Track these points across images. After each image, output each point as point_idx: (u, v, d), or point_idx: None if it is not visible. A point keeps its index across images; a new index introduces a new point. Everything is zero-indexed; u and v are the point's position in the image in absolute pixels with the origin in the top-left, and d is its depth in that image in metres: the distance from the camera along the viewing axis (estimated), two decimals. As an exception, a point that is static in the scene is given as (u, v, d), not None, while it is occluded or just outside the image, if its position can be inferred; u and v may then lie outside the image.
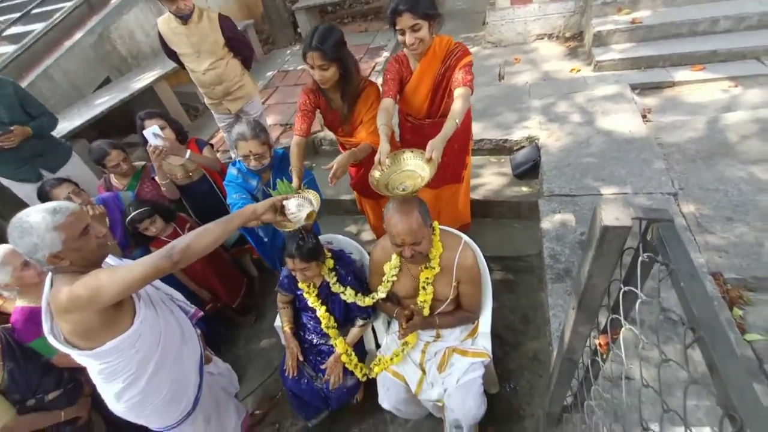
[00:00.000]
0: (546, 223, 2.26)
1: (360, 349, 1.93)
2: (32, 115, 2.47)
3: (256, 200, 2.01)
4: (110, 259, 1.48)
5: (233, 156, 2.88)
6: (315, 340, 1.93)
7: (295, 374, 1.85)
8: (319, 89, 1.88)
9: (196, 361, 1.63)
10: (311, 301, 1.84)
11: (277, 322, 2.03)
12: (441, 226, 1.72)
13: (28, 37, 3.74)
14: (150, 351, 1.37)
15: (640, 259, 0.63)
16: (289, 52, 5.25)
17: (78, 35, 3.89)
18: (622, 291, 0.72)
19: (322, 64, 1.69)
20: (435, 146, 1.45)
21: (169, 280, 2.27)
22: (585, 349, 1.01)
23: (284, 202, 1.41)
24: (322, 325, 1.85)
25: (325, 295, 1.86)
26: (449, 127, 1.54)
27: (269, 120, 3.75)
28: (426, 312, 1.69)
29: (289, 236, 1.69)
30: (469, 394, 1.57)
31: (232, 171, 1.97)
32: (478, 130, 3.06)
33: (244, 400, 2.30)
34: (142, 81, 3.82)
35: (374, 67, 4.29)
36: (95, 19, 4.02)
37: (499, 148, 3.05)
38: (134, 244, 2.21)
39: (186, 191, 2.46)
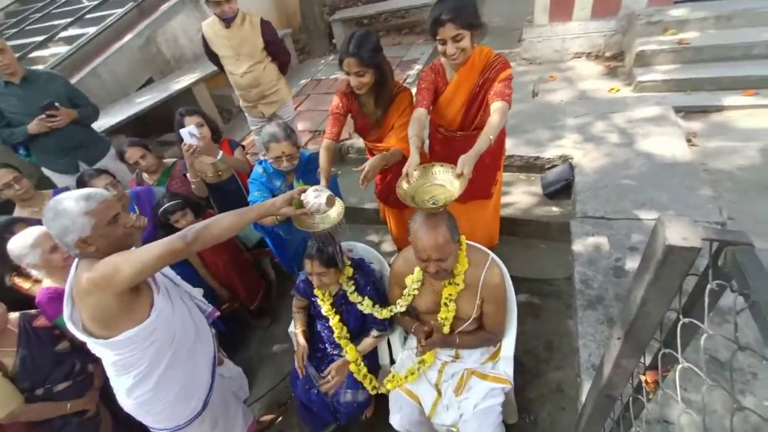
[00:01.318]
0: (578, 246, 2.14)
1: (373, 363, 1.85)
2: (78, 106, 2.59)
3: None
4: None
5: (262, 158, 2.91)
6: (328, 349, 1.88)
7: (303, 374, 1.79)
8: (353, 93, 1.88)
9: (209, 361, 1.60)
10: (325, 309, 1.80)
11: (291, 328, 1.99)
12: (468, 242, 1.64)
13: (81, 38, 3.97)
14: (164, 346, 1.35)
15: (709, 287, 0.55)
16: (323, 61, 5.36)
17: (127, 38, 4.10)
18: (681, 322, 0.63)
19: (359, 71, 1.69)
20: (467, 161, 1.39)
21: (191, 276, 2.29)
22: (627, 384, 0.91)
23: (302, 195, 1.37)
24: (335, 335, 1.79)
25: (341, 304, 1.81)
26: (483, 142, 1.48)
27: (299, 126, 3.80)
28: (446, 330, 1.60)
29: (312, 238, 1.66)
30: (486, 422, 1.47)
31: (257, 169, 1.98)
32: (508, 146, 2.95)
33: (252, 405, 2.26)
34: (181, 83, 3.96)
35: (405, 80, 4.30)
36: (144, 23, 4.23)
37: (530, 166, 2.95)
38: (163, 235, 2.22)
39: (214, 190, 2.49)
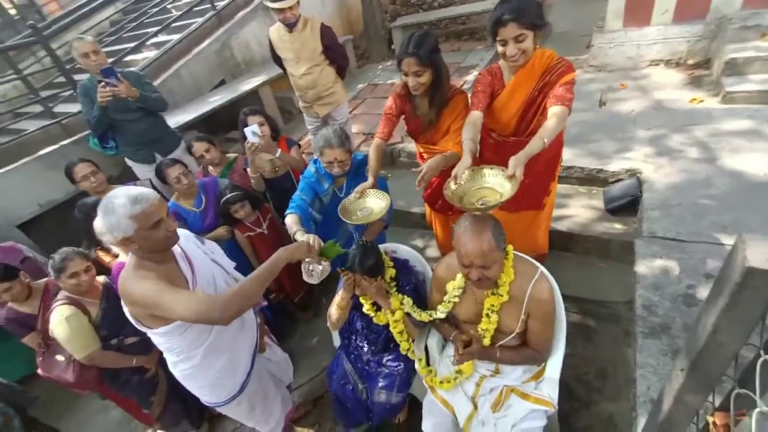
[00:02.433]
0: (642, 268, 1.95)
1: (409, 366, 1.82)
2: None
3: (321, 204, 2.06)
4: (186, 239, 1.57)
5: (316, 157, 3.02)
6: (365, 348, 1.88)
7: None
8: (407, 94, 1.88)
9: (250, 348, 1.68)
10: (366, 308, 1.80)
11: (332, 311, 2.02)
12: (516, 252, 1.57)
13: (167, 44, 4.42)
14: (202, 335, 1.43)
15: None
16: (381, 67, 5.45)
17: (205, 43, 4.48)
18: (762, 359, 0.54)
19: (417, 70, 1.70)
20: (518, 162, 1.34)
21: (245, 265, 2.43)
22: (691, 425, 0.80)
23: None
24: (364, 310, 1.76)
25: (382, 304, 1.80)
26: (536, 145, 1.41)
27: (354, 128, 3.89)
28: (486, 342, 1.53)
29: (353, 249, 1.67)
30: (526, 444, 1.38)
31: (310, 168, 2.05)
32: (568, 156, 2.81)
33: (290, 393, 2.33)
34: (249, 84, 4.24)
35: (462, 85, 4.23)
36: (221, 30, 4.61)
37: (592, 179, 2.76)
38: (223, 223, 2.39)
39: (270, 185, 2.64)
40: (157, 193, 1.31)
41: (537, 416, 1.45)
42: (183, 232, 1.59)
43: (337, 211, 1.74)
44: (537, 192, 2.02)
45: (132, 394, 2.09)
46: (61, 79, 3.92)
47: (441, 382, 1.62)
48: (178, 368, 1.51)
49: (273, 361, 2.00)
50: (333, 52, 2.92)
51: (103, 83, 2.50)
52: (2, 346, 2.07)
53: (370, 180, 1.75)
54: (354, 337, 1.94)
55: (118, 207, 1.21)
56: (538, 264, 1.57)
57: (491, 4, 5.12)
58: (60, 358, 1.95)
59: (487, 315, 1.50)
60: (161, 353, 1.94)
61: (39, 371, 2.05)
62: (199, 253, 1.57)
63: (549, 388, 1.52)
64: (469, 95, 1.83)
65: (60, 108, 4.15)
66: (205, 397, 1.61)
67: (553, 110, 1.51)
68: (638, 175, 2.54)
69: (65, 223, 2.50)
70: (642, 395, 1.51)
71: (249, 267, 2.45)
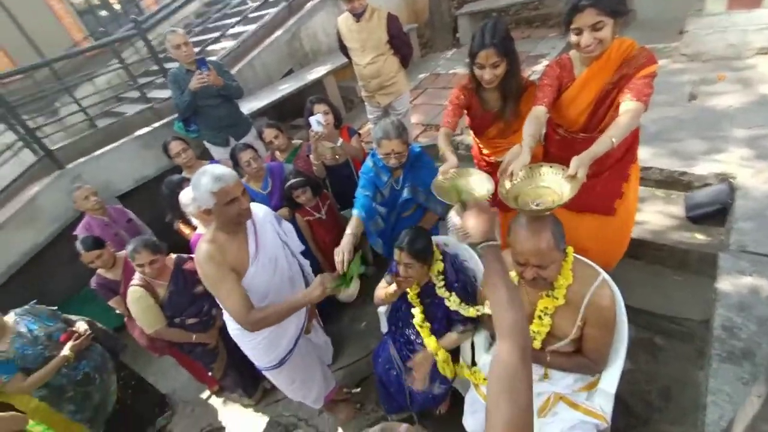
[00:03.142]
0: (725, 285, 1.76)
1: (454, 361, 1.83)
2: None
3: (382, 196, 2.10)
4: (264, 216, 1.72)
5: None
6: (412, 336, 1.92)
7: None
8: (475, 88, 1.83)
9: (296, 329, 1.82)
10: (411, 296, 1.83)
11: (381, 309, 2.09)
12: (577, 255, 1.49)
13: (244, 34, 4.72)
14: (255, 299, 1.55)
15: None
16: (444, 56, 5.34)
17: (277, 33, 4.71)
18: None
19: (495, 61, 1.65)
20: (581, 162, 1.25)
21: (305, 252, 2.58)
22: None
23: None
24: (415, 322, 1.81)
25: (428, 296, 1.82)
26: (603, 144, 1.30)
27: (413, 118, 3.89)
28: (537, 345, 1.49)
29: (405, 230, 1.71)
30: (571, 454, 1.34)
31: (368, 162, 2.09)
32: (646, 155, 2.57)
33: (336, 372, 2.46)
34: (315, 74, 4.40)
35: (529, 76, 4.01)
36: (292, 20, 4.81)
37: (672, 182, 2.50)
38: (286, 206, 2.55)
39: (331, 172, 2.76)
40: (236, 175, 1.46)
41: (587, 428, 1.39)
42: (264, 210, 1.76)
43: (436, 194, 1.51)
44: (606, 193, 1.85)
45: (197, 359, 2.37)
46: (155, 67, 4.38)
47: (485, 379, 1.61)
48: (230, 327, 1.72)
49: (314, 342, 2.13)
50: (398, 41, 2.93)
51: (198, 72, 2.77)
52: (102, 299, 2.45)
53: (452, 159, 1.62)
54: (401, 324, 1.98)
55: (203, 183, 1.38)
56: (600, 269, 1.49)
57: (569, -12, 4.76)
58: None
59: (540, 317, 1.46)
60: (220, 330, 2.18)
61: (128, 328, 2.40)
62: (271, 232, 1.70)
63: (602, 400, 1.44)
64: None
65: (152, 94, 4.66)
66: (252, 359, 1.79)
67: (627, 105, 1.38)
68: (731, 180, 2.25)
69: (154, 197, 2.84)
70: (712, 423, 1.37)
71: (307, 249, 2.60)
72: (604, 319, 1.39)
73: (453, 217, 1.13)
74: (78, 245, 2.23)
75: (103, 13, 9.69)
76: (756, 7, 3.17)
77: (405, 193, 2.02)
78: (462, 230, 1.06)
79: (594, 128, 1.67)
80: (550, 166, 1.38)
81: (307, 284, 1.86)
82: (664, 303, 2.10)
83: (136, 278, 2.09)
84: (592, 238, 1.98)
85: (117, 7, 9.86)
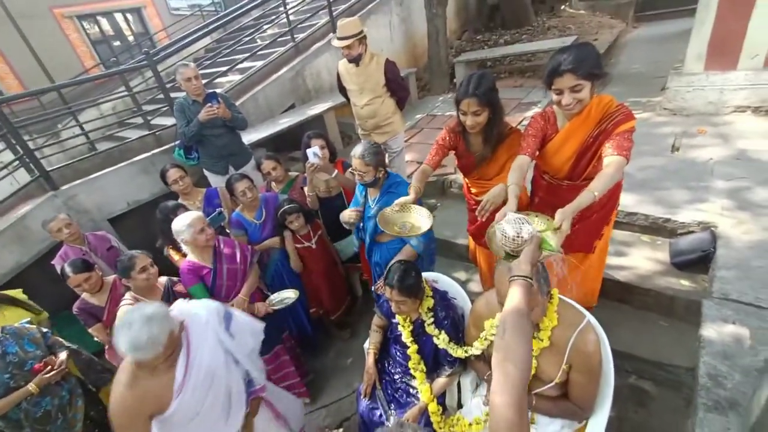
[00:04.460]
0: (709, 332, 1.77)
1: (439, 402, 1.78)
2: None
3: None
4: (208, 318, 1.52)
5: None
6: (397, 376, 1.88)
7: (368, 397, 1.82)
8: (461, 131, 1.93)
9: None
10: (405, 335, 1.81)
11: (366, 344, 2.05)
12: (562, 297, 1.51)
13: (251, 70, 4.94)
14: (179, 422, 1.40)
15: None
16: (441, 99, 5.60)
17: (282, 71, 4.94)
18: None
19: (476, 110, 1.74)
20: (565, 215, 1.29)
21: (291, 277, 2.58)
22: None
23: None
24: (410, 365, 1.79)
25: (418, 334, 1.81)
26: (586, 198, 1.36)
27: (408, 156, 4.01)
28: (522, 387, 1.47)
29: (395, 265, 1.73)
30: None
31: (356, 191, 2.25)
32: (631, 202, 2.65)
33: (318, 411, 2.37)
34: (316, 110, 4.57)
35: (521, 122, 4.20)
36: (298, 59, 5.06)
37: (657, 228, 2.57)
38: (278, 233, 2.56)
39: (323, 204, 2.79)
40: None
41: (572, 478, 1.34)
42: (209, 311, 1.52)
43: (375, 219, 1.82)
44: (588, 235, 1.93)
45: None
46: (160, 96, 4.52)
47: (470, 424, 1.56)
48: None
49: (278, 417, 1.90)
50: (395, 85, 3.08)
51: (209, 105, 2.91)
52: (81, 325, 2.39)
53: (412, 195, 1.77)
54: (388, 363, 1.95)
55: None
56: (585, 312, 1.50)
57: (560, 43, 5.09)
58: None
59: (525, 359, 1.44)
60: None
61: (106, 356, 2.31)
62: (212, 342, 1.47)
63: (589, 449, 1.41)
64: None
65: (155, 121, 4.78)
66: None
67: (609, 159, 1.45)
68: (713, 228, 2.33)
69: (146, 222, 2.85)
70: (700, 477, 1.34)
71: (296, 280, 2.59)
72: (589, 364, 1.38)
73: None
74: (66, 268, 2.20)
75: (117, 43, 10.10)
76: (731, 69, 3.41)
77: (373, 212, 2.09)
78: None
79: (578, 176, 1.75)
80: (537, 216, 1.41)
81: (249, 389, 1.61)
82: (652, 348, 2.09)
83: (128, 297, 2.04)
84: (574, 275, 2.03)
85: (131, 38, 10.32)
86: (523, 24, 7.22)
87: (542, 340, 1.40)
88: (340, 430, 2.28)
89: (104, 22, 9.96)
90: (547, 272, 1.38)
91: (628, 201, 2.64)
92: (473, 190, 2.16)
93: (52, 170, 3.51)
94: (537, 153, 1.74)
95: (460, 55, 6.17)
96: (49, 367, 1.90)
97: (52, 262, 2.65)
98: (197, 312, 1.50)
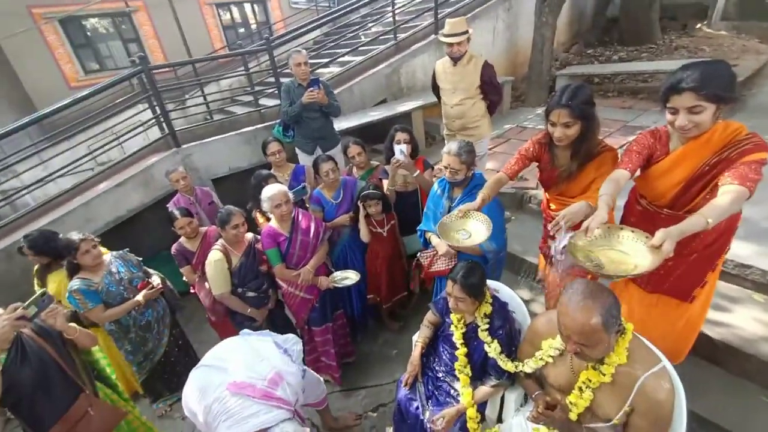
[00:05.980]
0: (826, 421, 1.46)
1: (480, 411, 1.74)
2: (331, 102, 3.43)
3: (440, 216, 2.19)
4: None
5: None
6: (441, 375, 1.87)
7: (409, 387, 1.85)
8: (548, 144, 1.85)
9: None
10: (456, 336, 1.80)
11: (415, 336, 2.08)
12: (639, 335, 1.37)
13: (351, 63, 5.23)
14: None
15: None
16: (535, 111, 5.34)
17: (380, 67, 5.15)
18: None
19: (567, 122, 1.65)
20: (669, 235, 1.15)
21: (359, 263, 2.71)
22: None
23: None
24: (456, 366, 1.77)
25: (470, 337, 1.78)
26: (697, 222, 1.19)
27: (489, 164, 3.90)
28: (573, 417, 1.37)
29: (461, 263, 1.73)
30: None
31: (435, 185, 2.26)
32: (747, 252, 2.28)
33: (357, 391, 2.46)
34: (405, 106, 4.69)
35: (623, 146, 3.83)
36: (396, 57, 5.23)
37: (775, 287, 2.17)
38: (352, 216, 2.69)
39: (399, 197, 2.88)
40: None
41: None
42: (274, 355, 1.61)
43: (437, 229, 1.84)
44: (688, 279, 1.68)
45: None
46: (271, 79, 5.01)
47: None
48: None
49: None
50: (489, 87, 3.03)
51: (311, 89, 3.21)
52: (175, 265, 2.80)
53: (477, 201, 1.76)
54: (433, 359, 1.95)
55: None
56: (662, 356, 1.35)
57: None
58: (207, 285, 2.50)
59: (580, 389, 1.35)
60: (269, 312, 2.37)
61: (191, 290, 2.69)
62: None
63: (639, 506, 1.26)
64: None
65: (263, 101, 5.32)
66: None
67: (729, 188, 1.26)
68: None
69: (241, 186, 3.22)
70: None
71: (361, 264, 2.71)
72: (657, 413, 1.24)
73: None
74: (174, 211, 2.59)
75: (242, 30, 11.40)
76: None
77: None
78: None
79: (681, 207, 1.55)
80: (632, 231, 1.31)
81: None
82: (742, 423, 1.79)
83: (218, 244, 2.34)
84: (663, 324, 1.80)
85: (253, 26, 11.58)
86: (645, 41, 6.52)
87: (604, 375, 1.30)
88: (375, 414, 2.33)
89: (235, 11, 11.28)
90: (619, 308, 1.26)
91: (743, 251, 2.28)
92: (552, 206, 2.05)
93: (178, 131, 4.12)
94: (638, 172, 1.58)
95: (565, 68, 5.81)
96: (151, 285, 2.38)
97: (167, 205, 3.13)
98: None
